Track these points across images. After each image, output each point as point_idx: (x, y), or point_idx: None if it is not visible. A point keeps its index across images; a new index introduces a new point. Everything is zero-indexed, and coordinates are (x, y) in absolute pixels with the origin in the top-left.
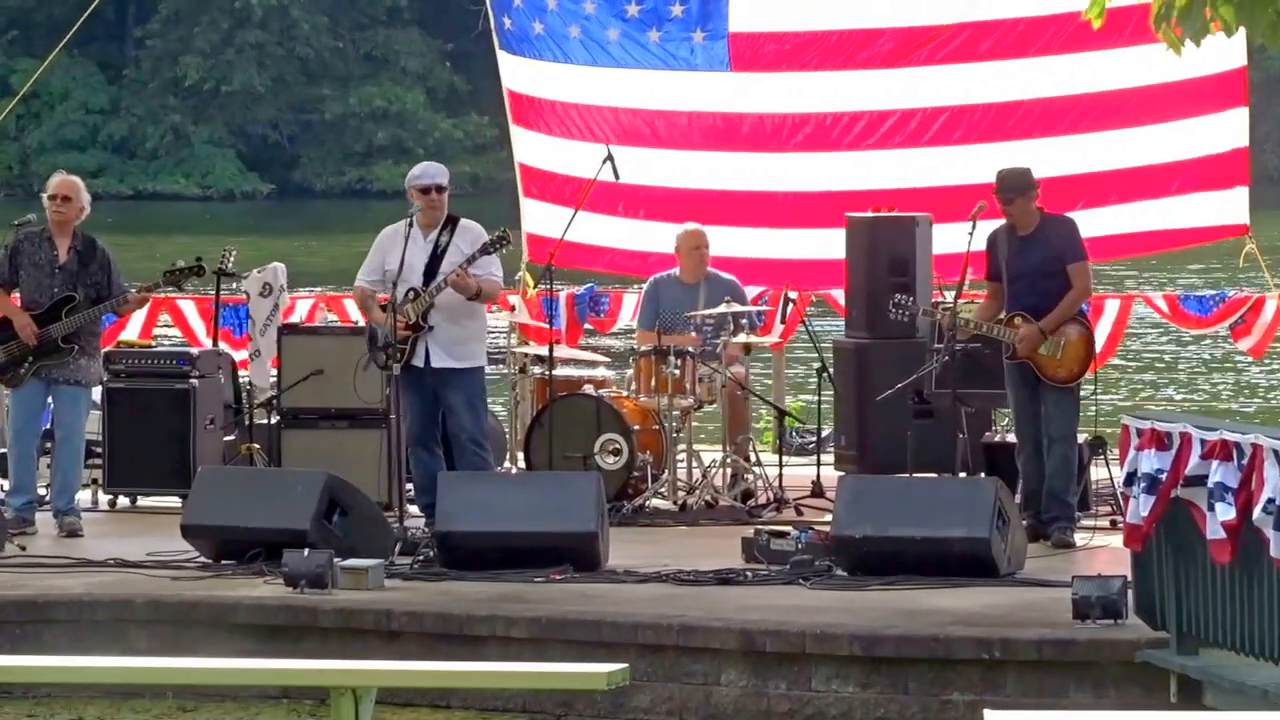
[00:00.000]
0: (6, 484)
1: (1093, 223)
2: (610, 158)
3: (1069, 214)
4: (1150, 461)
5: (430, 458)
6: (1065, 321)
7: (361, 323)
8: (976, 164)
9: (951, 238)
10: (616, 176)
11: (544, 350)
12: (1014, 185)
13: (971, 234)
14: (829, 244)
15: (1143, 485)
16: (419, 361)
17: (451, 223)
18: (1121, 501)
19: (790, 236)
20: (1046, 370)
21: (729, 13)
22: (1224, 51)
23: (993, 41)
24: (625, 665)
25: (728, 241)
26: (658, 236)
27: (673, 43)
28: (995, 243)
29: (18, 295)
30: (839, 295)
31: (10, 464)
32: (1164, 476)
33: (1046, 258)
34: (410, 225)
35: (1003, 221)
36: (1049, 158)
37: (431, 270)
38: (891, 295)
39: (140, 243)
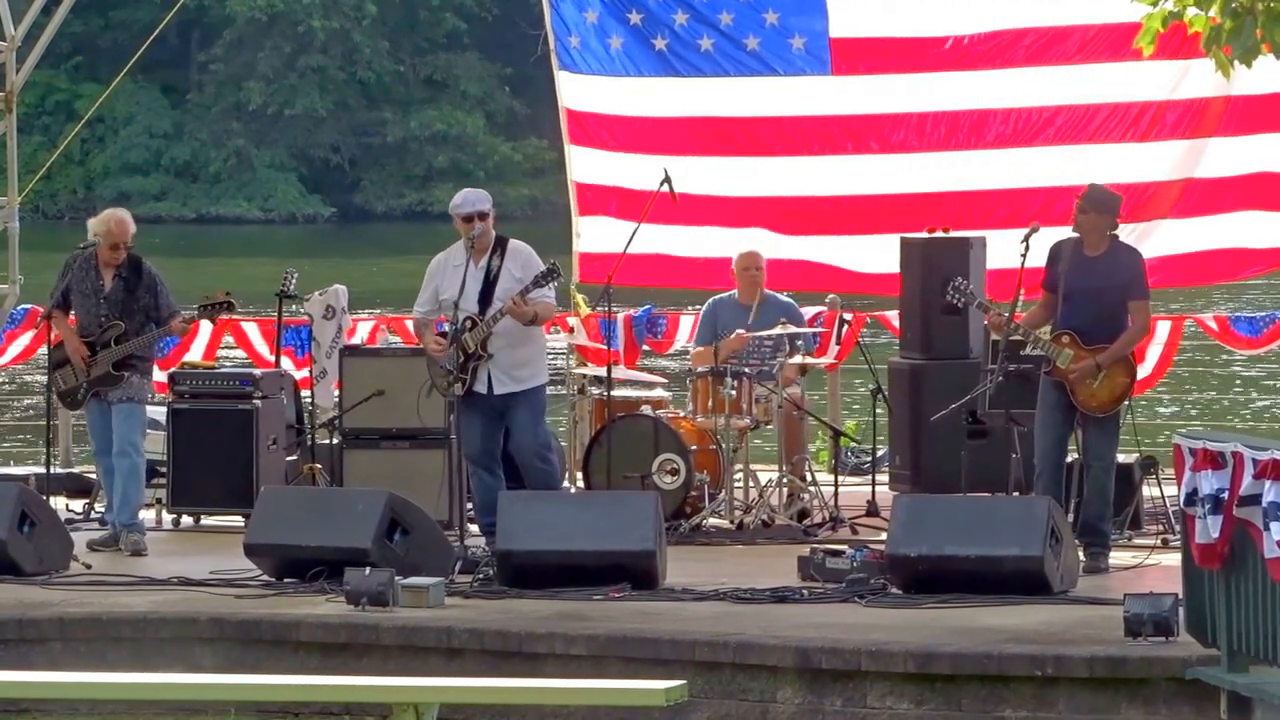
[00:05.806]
0: (99, 505)
1: (1148, 240)
2: (667, 179)
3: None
4: (1210, 482)
5: (492, 479)
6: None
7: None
8: (1041, 167)
9: (1008, 250)
10: (673, 197)
11: (602, 372)
12: (1096, 201)
13: (1025, 255)
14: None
15: (1208, 506)
16: (481, 388)
17: (501, 246)
18: (1185, 522)
19: (870, 241)
20: (1080, 395)
21: (829, 21)
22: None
23: (1069, 46)
24: (683, 682)
25: (813, 246)
26: (728, 243)
27: (770, 50)
28: (1059, 254)
29: (74, 318)
30: (893, 316)
31: (102, 483)
32: (1225, 495)
33: (1108, 284)
34: (462, 251)
35: (1071, 235)
36: (1124, 159)
37: (486, 296)
38: (953, 280)
39: (201, 265)
